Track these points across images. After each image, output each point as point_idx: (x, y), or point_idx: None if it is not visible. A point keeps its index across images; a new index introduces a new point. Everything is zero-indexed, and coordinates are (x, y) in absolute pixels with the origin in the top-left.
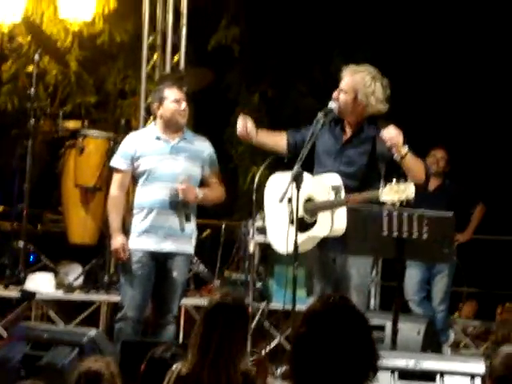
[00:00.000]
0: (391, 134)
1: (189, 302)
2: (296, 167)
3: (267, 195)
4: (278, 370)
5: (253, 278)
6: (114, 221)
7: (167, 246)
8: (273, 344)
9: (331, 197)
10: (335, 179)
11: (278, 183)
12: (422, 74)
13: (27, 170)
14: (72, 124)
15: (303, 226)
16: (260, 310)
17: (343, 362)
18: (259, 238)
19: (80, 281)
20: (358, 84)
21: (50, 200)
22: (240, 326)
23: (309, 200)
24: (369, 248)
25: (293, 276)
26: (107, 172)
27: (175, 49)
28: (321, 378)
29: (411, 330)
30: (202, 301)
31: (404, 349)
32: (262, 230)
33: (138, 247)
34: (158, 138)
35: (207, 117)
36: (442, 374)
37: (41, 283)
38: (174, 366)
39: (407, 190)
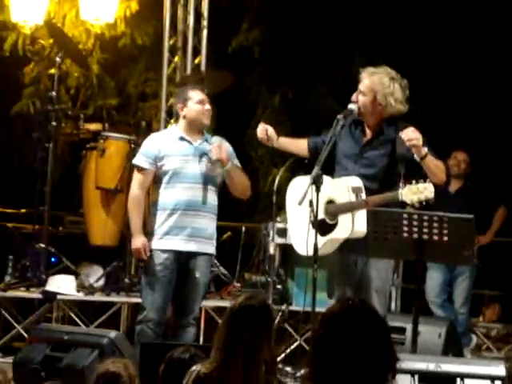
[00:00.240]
0: (410, 136)
1: (209, 303)
2: (315, 169)
3: (288, 198)
4: (298, 373)
5: (273, 281)
6: (135, 220)
7: (190, 247)
8: (293, 346)
9: (352, 199)
10: (356, 181)
11: (298, 186)
12: (445, 75)
13: (49, 172)
14: (93, 126)
15: (324, 228)
16: (280, 313)
17: (362, 365)
18: (279, 240)
19: (101, 282)
20: (377, 85)
21: (71, 202)
22: (266, 328)
23: (329, 202)
24: (389, 250)
25: (313, 278)
26: (128, 174)
27: (196, 51)
28: (339, 380)
29: (432, 332)
30: (223, 303)
31: (425, 352)
32: (283, 232)
33: (161, 248)
34: (182, 139)
35: (228, 119)
36: (463, 377)
37: (62, 285)
38: (194, 368)
39: (427, 191)
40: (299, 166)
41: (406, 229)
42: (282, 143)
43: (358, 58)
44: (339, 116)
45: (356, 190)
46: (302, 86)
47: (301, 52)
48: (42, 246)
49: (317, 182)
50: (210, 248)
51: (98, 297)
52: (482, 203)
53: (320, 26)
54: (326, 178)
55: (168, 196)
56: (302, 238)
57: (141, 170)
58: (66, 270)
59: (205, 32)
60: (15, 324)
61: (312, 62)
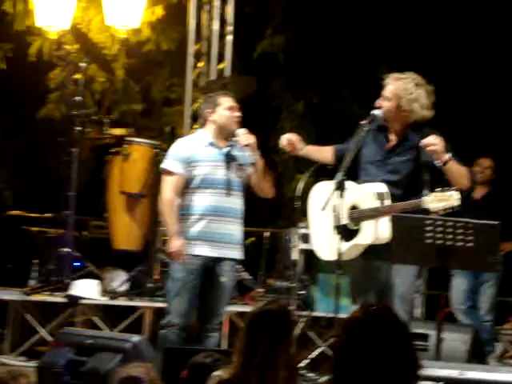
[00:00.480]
0: (429, 141)
1: (232, 309)
2: (339, 175)
3: (311, 203)
4: (321, 379)
5: (296, 286)
6: (172, 223)
7: (218, 253)
8: (316, 352)
9: (376, 205)
10: (380, 187)
11: (322, 191)
12: (471, 82)
13: (73, 176)
14: (118, 131)
15: (347, 234)
16: (303, 318)
17: (384, 371)
18: (303, 246)
19: (124, 287)
20: (401, 91)
21: (95, 207)
22: (285, 333)
23: (353, 208)
24: (412, 257)
25: (336, 284)
26: (152, 179)
27: (220, 56)
28: None
29: (456, 339)
30: (246, 308)
31: (449, 359)
32: (306, 238)
33: (188, 253)
34: (211, 144)
35: (252, 124)
36: None
37: (86, 289)
38: (215, 373)
39: (452, 198)
40: (323, 171)
41: (429, 235)
42: (307, 152)
43: (383, 64)
44: (363, 122)
45: (380, 196)
46: (326, 91)
47: (325, 58)
48: (67, 250)
49: (340, 188)
50: (238, 253)
51: (122, 301)
52: (507, 210)
53: (345, 32)
54: (349, 184)
55: (196, 201)
56: (325, 243)
57: (172, 174)
58: (89, 275)
59: (229, 37)
60: (39, 328)
61: (337, 68)
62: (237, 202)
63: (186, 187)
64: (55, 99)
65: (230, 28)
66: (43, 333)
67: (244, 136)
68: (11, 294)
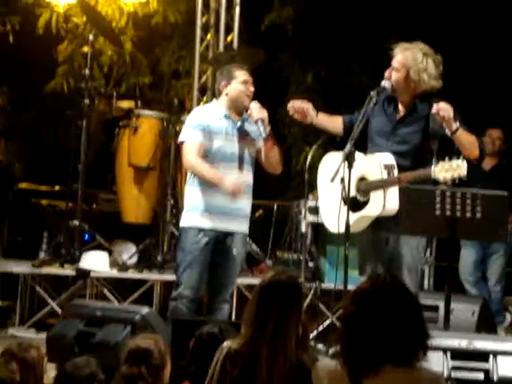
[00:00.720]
0: (441, 107)
1: (241, 281)
2: (348, 146)
3: (320, 175)
4: (330, 350)
5: (305, 258)
6: (212, 174)
7: (229, 226)
8: (325, 324)
9: (384, 176)
10: (388, 158)
11: (330, 163)
12: (480, 53)
13: (82, 150)
14: (126, 104)
15: (356, 205)
16: (312, 290)
17: (392, 341)
18: (311, 218)
19: (134, 260)
20: (410, 61)
21: (104, 180)
22: (295, 303)
23: (362, 179)
24: (421, 227)
25: (344, 255)
26: (161, 152)
27: (228, 29)
28: (370, 356)
29: (465, 310)
30: (254, 280)
31: (458, 329)
32: (315, 210)
33: (200, 226)
34: (226, 117)
35: (260, 97)
36: (495, 354)
37: (95, 262)
38: (224, 344)
39: (459, 168)
40: (332, 143)
41: (438, 206)
42: (320, 120)
43: (392, 35)
44: (372, 93)
45: (388, 167)
46: (335, 63)
47: (334, 30)
48: (76, 223)
49: (349, 159)
50: (245, 226)
51: (131, 274)
52: None
53: (353, 3)
54: (358, 155)
55: None
56: (333, 215)
57: (192, 143)
58: (99, 247)
59: (237, 9)
60: (49, 300)
61: (345, 40)
62: (248, 176)
63: (204, 157)
64: (63, 72)
65: (237, 0)
66: (53, 305)
67: (256, 110)
68: (21, 267)
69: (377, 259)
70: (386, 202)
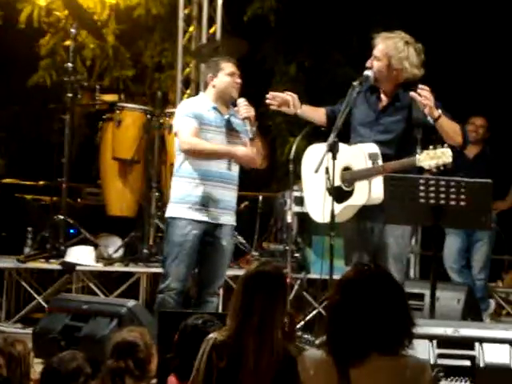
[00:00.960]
0: (424, 93)
1: (227, 272)
2: (331, 137)
3: (304, 166)
4: (317, 340)
5: (291, 249)
6: (217, 148)
7: (218, 219)
8: (311, 314)
9: (368, 165)
10: (372, 147)
11: (314, 154)
12: (463, 41)
13: (65, 143)
14: (109, 97)
15: (341, 195)
16: (298, 281)
17: (378, 329)
18: (297, 209)
19: (119, 253)
20: (391, 50)
21: (89, 173)
22: (280, 293)
23: (346, 169)
24: (406, 216)
25: (330, 246)
26: (145, 144)
27: (211, 20)
28: (356, 345)
29: (451, 298)
30: (241, 272)
31: (444, 317)
32: (300, 201)
33: (189, 218)
34: (214, 109)
35: (243, 88)
36: (481, 341)
37: (81, 256)
38: (210, 335)
39: (444, 156)
40: (316, 134)
41: (422, 194)
42: (305, 111)
43: (375, 25)
44: (355, 83)
45: (372, 157)
46: (318, 54)
47: (317, 20)
48: (61, 217)
49: (333, 150)
50: (233, 218)
51: (117, 267)
52: (500, 168)
53: None
54: (342, 146)
55: (197, 165)
56: (318, 205)
57: (188, 128)
58: (84, 241)
59: (219, 1)
60: (35, 295)
61: (328, 31)
62: (235, 169)
63: None
64: (46, 66)
65: None
66: (39, 300)
67: (244, 108)
68: (6, 262)
69: (362, 249)
70: (370, 192)
